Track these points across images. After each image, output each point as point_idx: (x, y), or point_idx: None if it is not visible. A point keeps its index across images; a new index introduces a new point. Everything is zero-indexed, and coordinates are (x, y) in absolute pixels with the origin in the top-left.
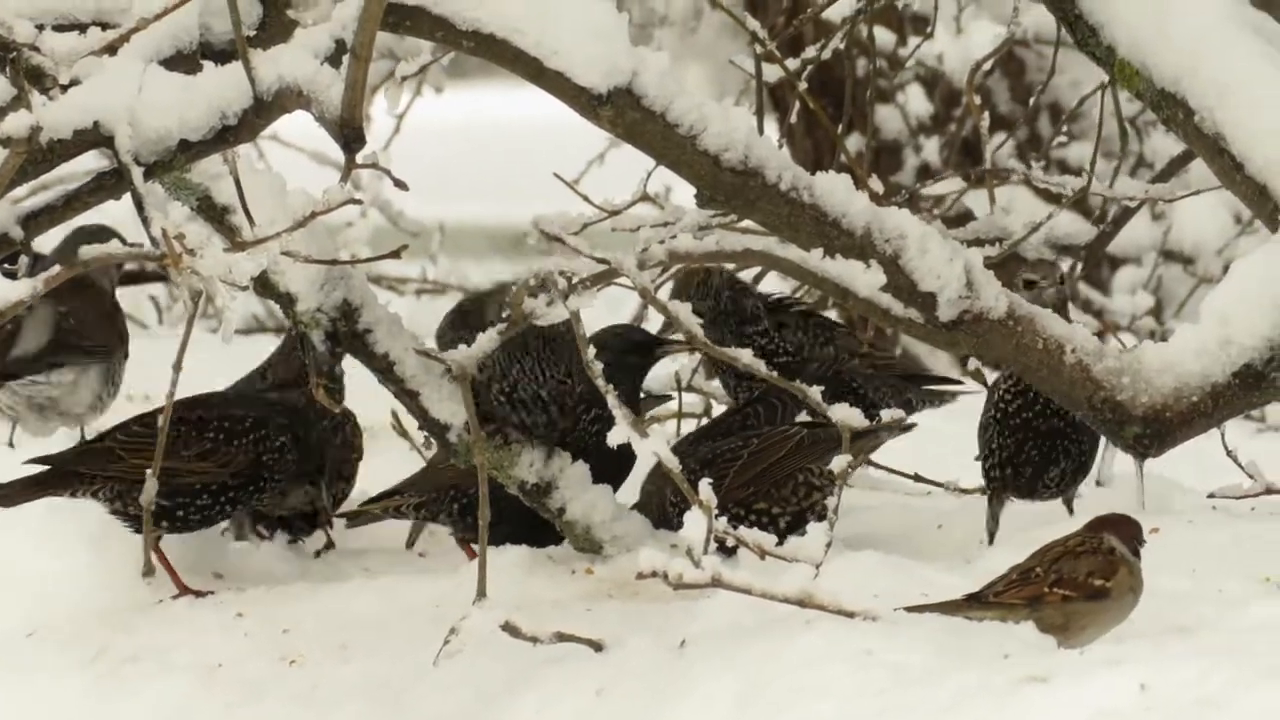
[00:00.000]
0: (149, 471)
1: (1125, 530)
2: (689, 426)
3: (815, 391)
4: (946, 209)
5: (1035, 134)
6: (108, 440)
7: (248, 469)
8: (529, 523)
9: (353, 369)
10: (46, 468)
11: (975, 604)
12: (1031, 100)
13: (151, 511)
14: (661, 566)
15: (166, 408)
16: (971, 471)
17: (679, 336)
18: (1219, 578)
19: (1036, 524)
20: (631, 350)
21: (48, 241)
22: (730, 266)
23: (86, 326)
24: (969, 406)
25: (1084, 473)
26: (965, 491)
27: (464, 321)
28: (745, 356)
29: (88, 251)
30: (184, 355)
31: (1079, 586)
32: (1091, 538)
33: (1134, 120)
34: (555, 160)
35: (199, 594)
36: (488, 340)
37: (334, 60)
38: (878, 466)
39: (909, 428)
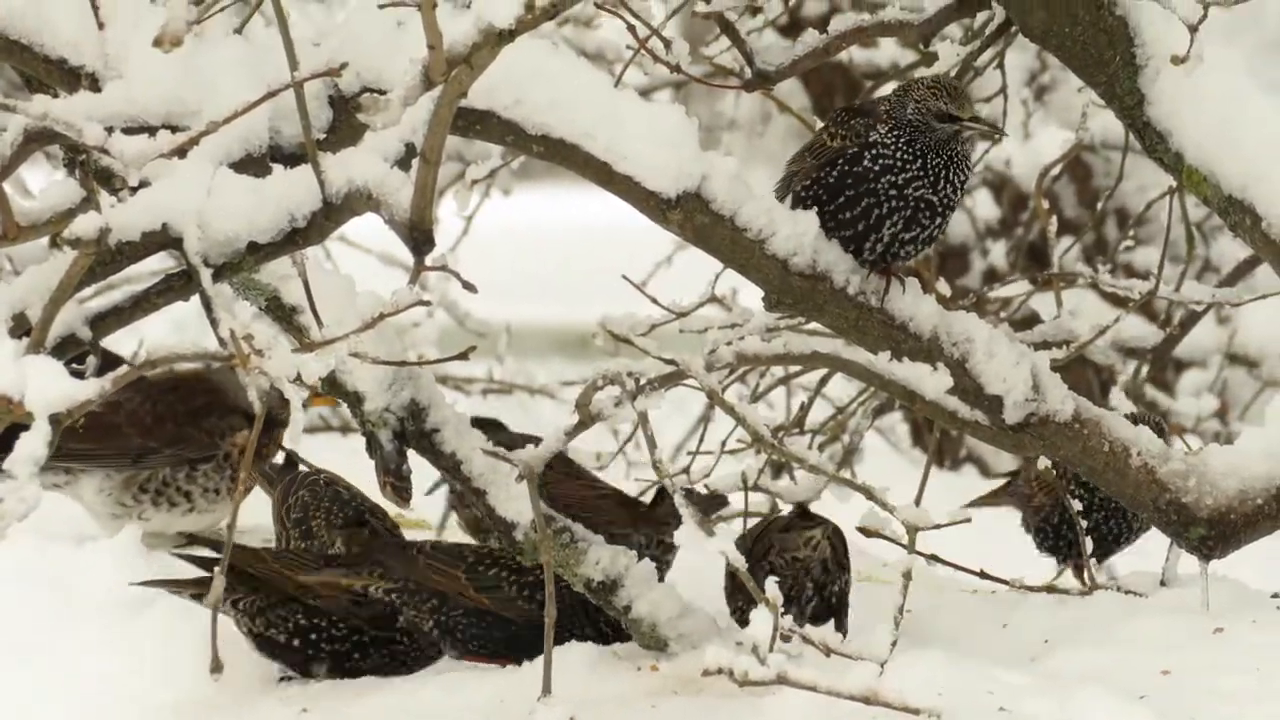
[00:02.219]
0: (217, 569)
1: None
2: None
3: (881, 490)
4: (1013, 312)
5: (1102, 238)
6: (416, 548)
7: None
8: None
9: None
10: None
11: None
12: (1099, 205)
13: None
14: (727, 664)
15: (231, 520)
16: (1035, 568)
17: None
18: None
19: (1110, 619)
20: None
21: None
22: None
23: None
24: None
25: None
26: (1030, 589)
27: None
28: (812, 457)
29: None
30: (252, 454)
31: None
32: None
33: (1200, 225)
34: (622, 262)
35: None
36: (555, 440)
37: (403, 163)
38: (943, 563)
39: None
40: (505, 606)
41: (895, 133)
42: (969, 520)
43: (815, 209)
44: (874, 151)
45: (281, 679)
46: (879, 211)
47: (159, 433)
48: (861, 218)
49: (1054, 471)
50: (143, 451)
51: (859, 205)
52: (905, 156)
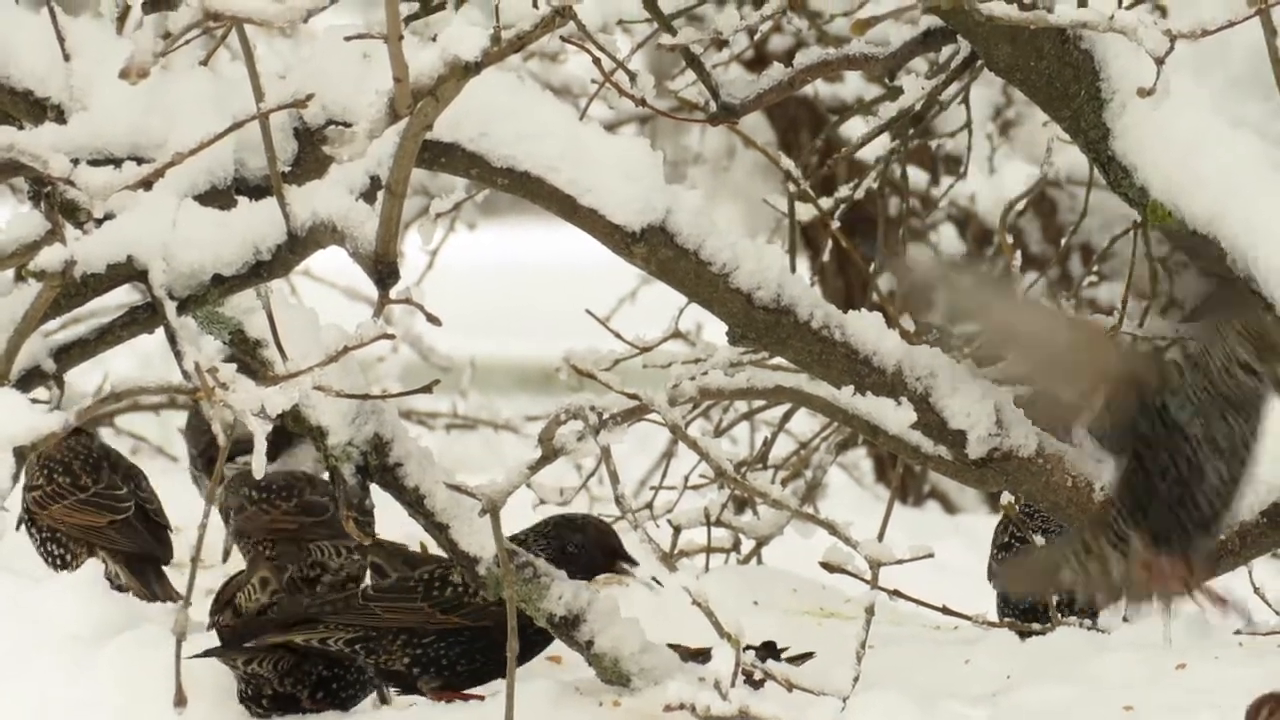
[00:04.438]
0: (180, 602)
1: None
2: (717, 561)
3: (844, 525)
4: (977, 347)
5: (1066, 273)
6: (361, 594)
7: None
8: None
9: (384, 502)
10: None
11: None
12: (1063, 240)
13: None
14: (689, 699)
15: (197, 543)
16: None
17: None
18: None
19: (1072, 655)
20: (601, 550)
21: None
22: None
23: None
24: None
25: None
26: (993, 625)
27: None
28: (775, 492)
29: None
30: (216, 489)
31: None
32: None
33: (1165, 260)
34: (586, 297)
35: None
36: (518, 475)
37: (369, 196)
38: (906, 598)
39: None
40: (477, 616)
41: None
42: (931, 555)
43: None
44: None
45: (253, 712)
46: None
47: None
48: None
49: (1015, 508)
50: None
51: None
52: None
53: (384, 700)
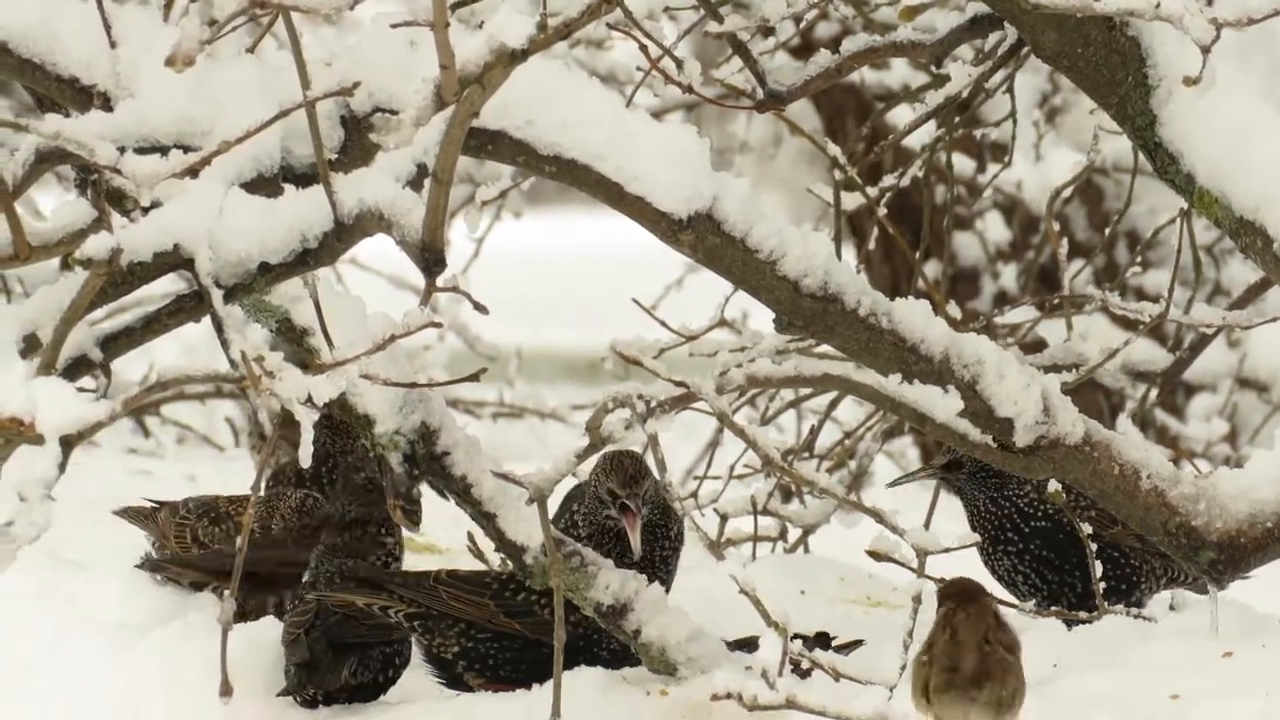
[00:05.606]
0: (227, 592)
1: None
2: (764, 549)
3: (891, 514)
4: (1024, 335)
5: (1112, 261)
6: (434, 576)
7: None
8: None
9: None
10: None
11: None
12: (1109, 228)
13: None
14: (736, 688)
15: (245, 528)
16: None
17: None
18: None
19: (1119, 644)
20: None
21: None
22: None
23: None
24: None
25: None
26: (1040, 613)
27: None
28: (821, 480)
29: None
30: (262, 479)
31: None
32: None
33: (1211, 248)
34: (633, 286)
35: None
36: (565, 463)
37: (415, 184)
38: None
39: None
40: (538, 629)
41: None
42: (979, 544)
43: None
44: None
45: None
46: None
47: None
48: None
49: (1063, 495)
50: None
51: None
52: None
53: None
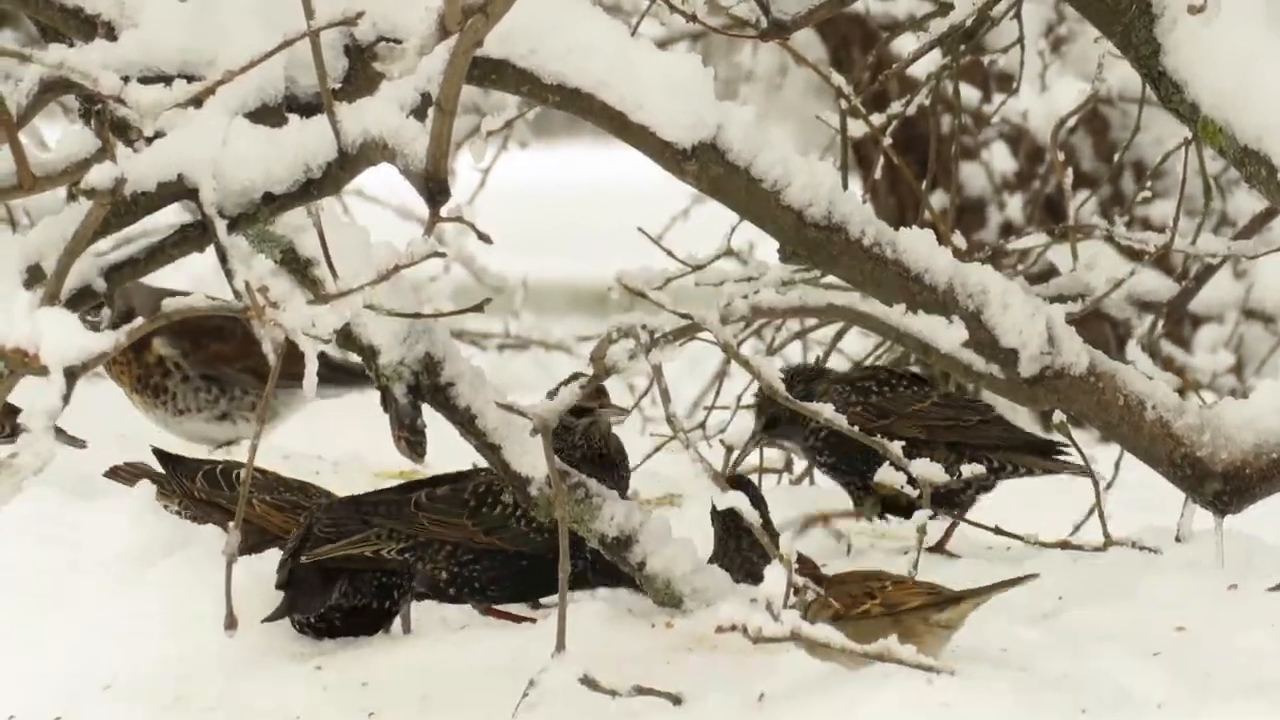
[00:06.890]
0: (232, 524)
1: None
2: (770, 480)
3: (895, 446)
4: (1029, 265)
5: (1118, 191)
6: (414, 502)
7: None
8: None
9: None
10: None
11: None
12: (1115, 157)
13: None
14: (741, 620)
15: (249, 461)
16: (1051, 525)
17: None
18: None
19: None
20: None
21: None
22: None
23: None
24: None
25: None
26: (1045, 545)
27: None
28: (827, 411)
29: (171, 303)
30: (268, 408)
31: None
32: None
33: (1217, 178)
34: (639, 216)
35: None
36: (569, 394)
37: (419, 113)
38: (957, 519)
39: (990, 486)
40: (516, 541)
41: None
42: (982, 476)
43: None
44: None
45: (300, 629)
46: None
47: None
48: None
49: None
50: None
51: None
52: None
53: (406, 629)
